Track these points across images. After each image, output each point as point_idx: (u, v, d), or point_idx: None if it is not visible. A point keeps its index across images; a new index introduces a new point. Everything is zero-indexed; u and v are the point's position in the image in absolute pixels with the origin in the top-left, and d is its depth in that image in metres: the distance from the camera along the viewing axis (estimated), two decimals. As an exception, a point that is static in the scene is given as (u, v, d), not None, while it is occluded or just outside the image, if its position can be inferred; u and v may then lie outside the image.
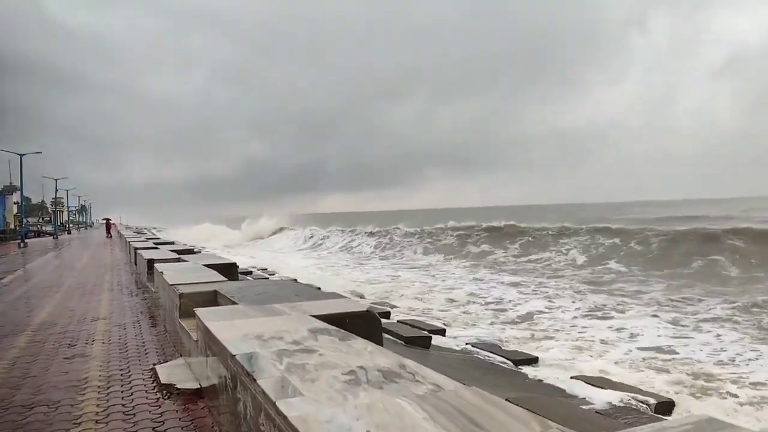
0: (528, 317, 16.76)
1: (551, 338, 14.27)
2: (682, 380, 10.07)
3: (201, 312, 4.76)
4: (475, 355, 12.74)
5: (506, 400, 7.03)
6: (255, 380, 2.83)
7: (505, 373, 11.70)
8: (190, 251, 15.34)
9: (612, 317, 16.64)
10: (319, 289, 20.38)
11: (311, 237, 58.18)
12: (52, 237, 58.30)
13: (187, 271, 8.79)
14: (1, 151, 43.81)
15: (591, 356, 12.46)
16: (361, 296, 19.74)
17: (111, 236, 46.61)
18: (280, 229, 68.34)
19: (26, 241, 41.79)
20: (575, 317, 16.67)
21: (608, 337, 14.00)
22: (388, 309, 17.06)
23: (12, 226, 60.18)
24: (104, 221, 60.09)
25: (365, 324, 4.77)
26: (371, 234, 48.96)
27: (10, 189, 60.95)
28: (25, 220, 77.62)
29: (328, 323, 4.25)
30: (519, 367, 11.96)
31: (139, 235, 31.06)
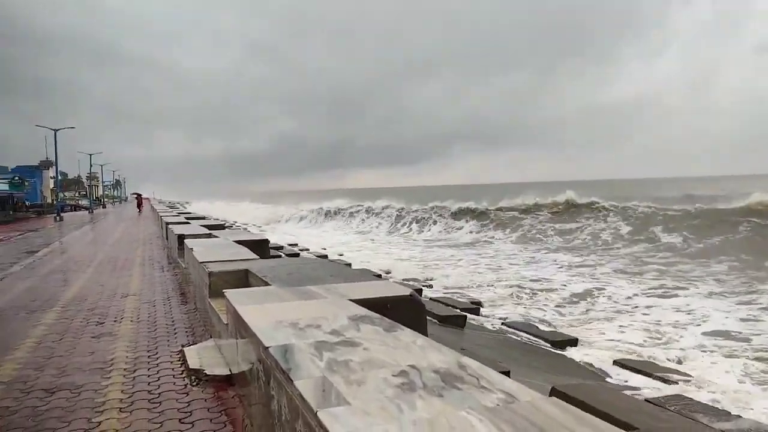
0: (581, 296, 16.19)
1: (598, 319, 13.73)
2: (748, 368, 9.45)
3: (231, 294, 4.40)
4: (511, 335, 12.34)
5: (552, 388, 6.55)
6: (291, 381, 2.43)
7: (545, 354, 11.22)
8: (220, 226, 15.13)
9: (672, 296, 15.97)
10: (350, 265, 20.21)
11: (340, 213, 57.02)
12: (87, 211, 59.40)
13: (217, 248, 8.49)
14: (37, 127, 44.48)
15: (644, 340, 11.89)
16: (388, 273, 19.32)
17: (141, 211, 46.74)
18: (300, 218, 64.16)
19: (62, 215, 42.54)
20: (630, 297, 16.03)
21: (663, 320, 13.35)
22: (421, 287, 16.72)
23: (49, 201, 61.47)
24: (135, 196, 60.58)
25: (408, 310, 4.35)
26: (409, 212, 46.55)
27: (47, 164, 62.11)
28: (61, 195, 79.34)
29: (369, 309, 3.84)
30: (558, 348, 11.52)
31: (170, 210, 31.23)
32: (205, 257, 7.24)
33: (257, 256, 7.38)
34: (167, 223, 16.64)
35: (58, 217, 40.00)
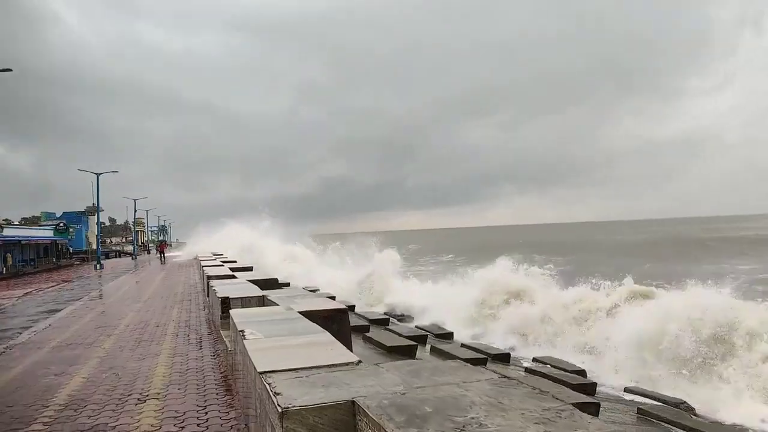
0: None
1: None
2: None
3: None
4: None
5: None
6: None
7: None
8: (276, 283, 12.11)
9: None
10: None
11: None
12: (131, 257, 58.00)
13: (283, 335, 5.37)
14: (83, 172, 43.04)
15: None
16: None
17: (164, 259, 42.80)
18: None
19: (102, 262, 40.70)
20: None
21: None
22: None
23: (94, 247, 60.41)
24: (158, 245, 58.11)
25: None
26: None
27: (93, 210, 61.31)
28: (108, 240, 78.84)
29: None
30: None
31: (212, 257, 28.67)
32: (266, 360, 4.16)
33: (356, 360, 4.21)
34: (208, 277, 13.78)
35: (98, 266, 38.09)
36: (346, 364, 4.07)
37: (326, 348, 4.62)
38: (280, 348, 4.63)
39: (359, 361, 4.17)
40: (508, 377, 3.63)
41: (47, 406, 5.90)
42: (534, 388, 3.44)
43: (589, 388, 11.49)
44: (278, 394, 3.35)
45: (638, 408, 10.80)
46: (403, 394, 3.27)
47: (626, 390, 12.26)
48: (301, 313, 6.59)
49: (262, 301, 8.63)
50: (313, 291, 20.65)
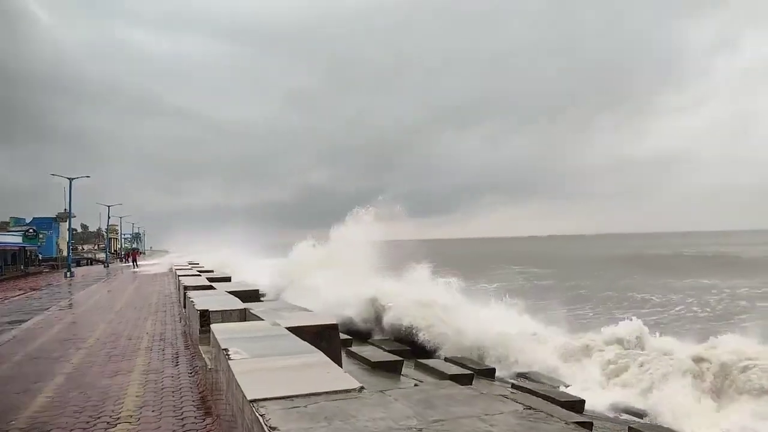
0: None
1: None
2: None
3: None
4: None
5: None
6: None
7: None
8: (256, 295, 11.55)
9: None
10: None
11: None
12: (103, 265, 56.53)
13: (275, 357, 4.86)
14: (60, 177, 41.57)
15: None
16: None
17: (136, 268, 43.16)
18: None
19: (73, 270, 39.44)
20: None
21: None
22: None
23: (64, 254, 58.74)
24: (127, 253, 57.24)
25: None
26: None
27: (64, 216, 59.66)
28: (79, 247, 76.84)
29: None
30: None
31: (189, 266, 27.84)
32: (255, 385, 3.70)
33: (357, 384, 3.77)
34: (185, 287, 13.18)
35: (68, 273, 36.87)
36: (348, 390, 3.64)
37: (322, 370, 4.17)
38: (271, 370, 4.17)
39: (362, 387, 3.73)
40: (534, 408, 3.22)
41: (6, 431, 5.33)
42: (567, 423, 3.04)
43: (578, 406, 11.22)
44: (274, 428, 2.90)
45: (629, 427, 10.56)
46: (420, 430, 2.85)
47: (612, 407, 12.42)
48: (288, 329, 6.12)
49: (244, 315, 8.13)
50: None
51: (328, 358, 4.52)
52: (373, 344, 15.79)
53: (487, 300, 19.51)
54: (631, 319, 16.63)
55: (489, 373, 13.63)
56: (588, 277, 30.28)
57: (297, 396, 3.46)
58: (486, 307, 19.09)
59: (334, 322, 6.69)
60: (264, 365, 4.35)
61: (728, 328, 16.33)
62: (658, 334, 16.32)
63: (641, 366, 14.34)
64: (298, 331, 5.95)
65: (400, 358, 12.61)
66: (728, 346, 14.13)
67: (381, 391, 3.73)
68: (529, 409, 3.16)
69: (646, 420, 11.80)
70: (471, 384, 11.26)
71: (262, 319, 7.17)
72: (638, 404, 12.69)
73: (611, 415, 12.16)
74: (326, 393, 3.51)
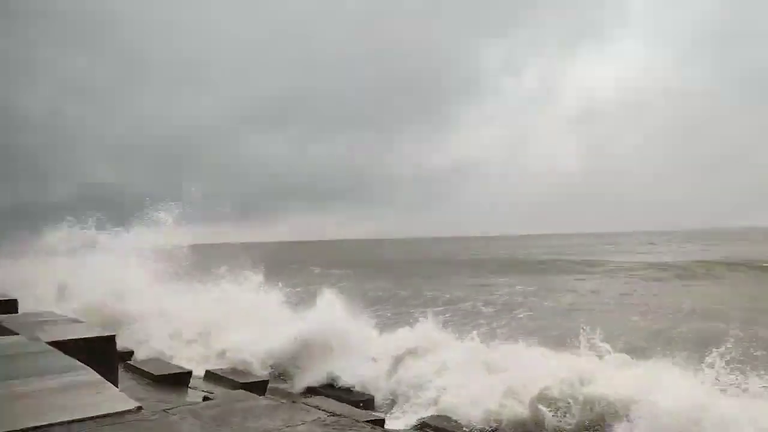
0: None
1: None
2: None
3: None
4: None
5: None
6: None
7: None
8: (14, 305, 9.70)
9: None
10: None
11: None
12: None
13: (31, 379, 3.97)
14: None
15: None
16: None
17: None
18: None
19: None
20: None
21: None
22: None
23: None
24: None
25: None
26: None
27: None
28: None
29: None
30: None
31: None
32: (4, 416, 2.97)
33: (134, 404, 3.21)
34: None
35: None
36: (121, 413, 3.08)
37: (91, 391, 3.52)
38: (21, 397, 3.39)
39: (139, 407, 3.20)
40: (337, 414, 3.03)
41: None
42: (374, 427, 2.90)
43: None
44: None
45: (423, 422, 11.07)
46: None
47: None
48: (50, 343, 5.19)
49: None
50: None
51: (99, 376, 3.86)
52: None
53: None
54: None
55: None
56: (385, 278, 32.03)
57: (54, 425, 2.83)
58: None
59: (111, 334, 5.86)
60: (15, 391, 3.54)
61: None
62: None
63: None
64: (64, 346, 5.09)
65: (188, 369, 11.70)
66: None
67: (164, 410, 3.24)
68: (333, 416, 2.96)
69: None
70: (265, 392, 10.87)
71: (18, 334, 6.01)
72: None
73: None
74: (93, 418, 2.93)
